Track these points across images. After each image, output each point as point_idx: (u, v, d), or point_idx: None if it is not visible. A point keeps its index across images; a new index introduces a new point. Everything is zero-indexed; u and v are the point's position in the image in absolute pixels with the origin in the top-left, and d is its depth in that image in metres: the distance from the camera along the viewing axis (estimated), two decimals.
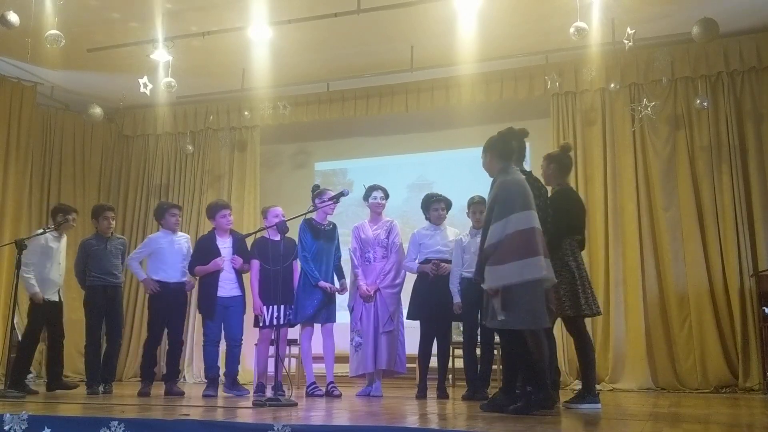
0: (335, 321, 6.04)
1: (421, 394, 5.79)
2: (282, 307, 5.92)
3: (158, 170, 9.75)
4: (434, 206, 5.96)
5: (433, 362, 5.91)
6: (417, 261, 5.93)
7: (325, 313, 5.93)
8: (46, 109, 9.32)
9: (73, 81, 8.83)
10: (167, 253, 6.20)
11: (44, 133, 9.32)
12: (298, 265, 6.12)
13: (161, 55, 7.36)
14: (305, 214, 5.88)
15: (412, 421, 3.69)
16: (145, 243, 6.47)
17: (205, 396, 5.70)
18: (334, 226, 6.16)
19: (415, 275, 5.97)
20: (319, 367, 6.09)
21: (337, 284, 6.04)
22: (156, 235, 6.40)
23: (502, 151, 4.28)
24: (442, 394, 5.73)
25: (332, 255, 6.06)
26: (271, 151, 9.73)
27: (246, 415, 3.81)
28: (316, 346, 5.99)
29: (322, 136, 9.67)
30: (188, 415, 3.57)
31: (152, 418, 3.38)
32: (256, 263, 6.08)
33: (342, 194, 5.46)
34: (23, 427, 3.26)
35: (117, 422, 3.14)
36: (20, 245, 5.76)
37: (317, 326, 5.99)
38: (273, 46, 7.31)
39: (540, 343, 4.00)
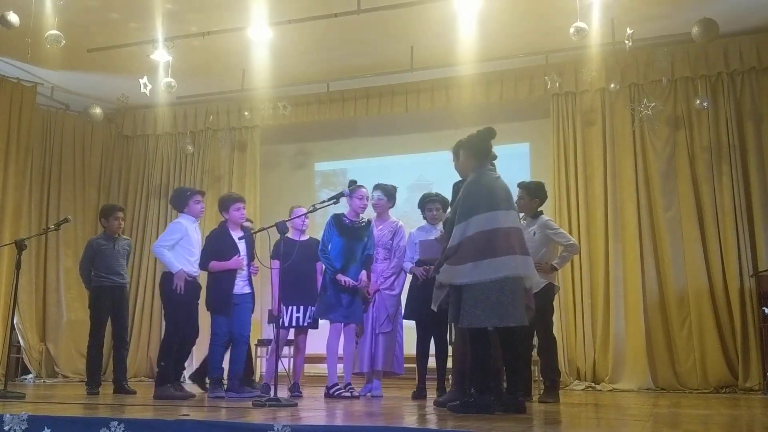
0: (360, 322, 5.83)
1: (420, 395, 5.78)
2: (302, 307, 5.89)
3: (158, 170, 9.76)
4: (429, 206, 5.91)
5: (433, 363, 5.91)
6: (413, 261, 5.89)
7: (348, 312, 5.72)
8: (46, 110, 9.33)
9: (73, 81, 8.84)
10: (195, 244, 5.71)
11: (44, 133, 9.32)
12: (322, 266, 5.91)
13: (161, 56, 7.36)
14: (306, 214, 5.92)
15: (411, 421, 3.68)
16: (173, 229, 5.77)
17: (214, 398, 5.44)
18: (368, 222, 5.92)
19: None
20: (319, 367, 6.05)
21: (363, 279, 5.79)
22: (181, 220, 5.79)
23: (479, 151, 4.25)
24: (442, 395, 5.72)
25: (358, 252, 5.79)
26: (271, 152, 9.73)
27: (246, 415, 3.81)
28: (318, 346, 5.91)
29: (322, 137, 9.67)
30: (188, 415, 3.57)
31: (152, 419, 3.38)
32: (277, 263, 5.73)
33: (342, 194, 5.46)
34: (23, 428, 3.26)
35: (117, 422, 3.13)
36: (20, 245, 5.72)
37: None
38: (273, 46, 7.31)
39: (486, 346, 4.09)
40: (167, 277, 5.66)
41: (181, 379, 6.00)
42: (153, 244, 5.76)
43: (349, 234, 5.81)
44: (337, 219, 5.87)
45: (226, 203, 5.89)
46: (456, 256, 4.03)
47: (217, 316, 5.68)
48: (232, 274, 5.69)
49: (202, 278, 5.92)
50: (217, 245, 5.73)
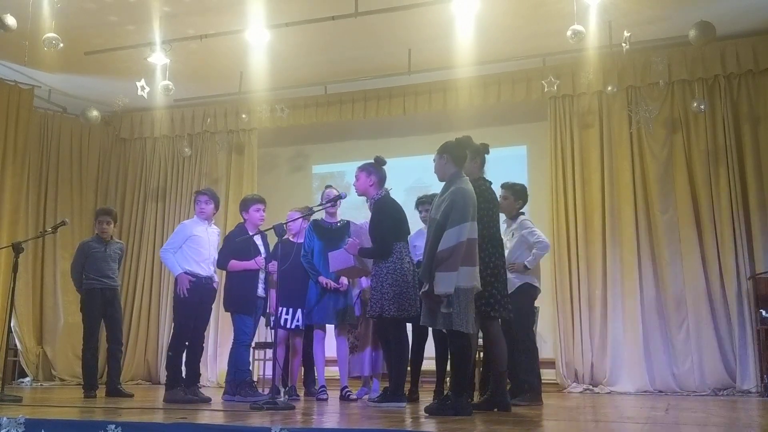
0: (341, 323, 5.74)
1: (412, 398, 5.72)
2: (291, 310, 5.86)
3: (155, 173, 9.75)
4: (419, 208, 5.98)
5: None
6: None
7: (332, 313, 5.67)
8: (43, 112, 9.32)
9: (71, 84, 8.83)
10: (204, 244, 5.64)
11: (41, 136, 9.32)
12: None
13: (159, 59, 7.35)
14: (304, 216, 5.91)
15: (408, 424, 3.68)
16: (177, 231, 5.74)
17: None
18: (347, 223, 5.88)
19: None
20: (330, 370, 6.02)
21: (344, 283, 5.74)
22: (186, 222, 5.80)
23: (457, 158, 4.42)
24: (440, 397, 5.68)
25: None
26: (269, 154, 9.73)
27: (243, 418, 3.80)
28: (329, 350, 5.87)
29: (319, 139, 9.68)
30: (186, 418, 3.56)
31: (149, 422, 3.37)
32: (274, 265, 5.68)
33: (339, 197, 5.45)
34: (20, 431, 3.25)
35: (114, 426, 3.12)
36: (17, 248, 5.70)
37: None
38: (271, 49, 7.31)
39: (471, 350, 4.23)
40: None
41: (199, 384, 5.80)
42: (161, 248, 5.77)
43: (329, 235, 5.77)
44: (315, 224, 5.86)
45: (247, 204, 5.83)
46: (450, 261, 4.06)
47: (241, 316, 5.58)
48: (255, 274, 5.63)
49: (221, 279, 5.86)
50: (239, 245, 5.60)
